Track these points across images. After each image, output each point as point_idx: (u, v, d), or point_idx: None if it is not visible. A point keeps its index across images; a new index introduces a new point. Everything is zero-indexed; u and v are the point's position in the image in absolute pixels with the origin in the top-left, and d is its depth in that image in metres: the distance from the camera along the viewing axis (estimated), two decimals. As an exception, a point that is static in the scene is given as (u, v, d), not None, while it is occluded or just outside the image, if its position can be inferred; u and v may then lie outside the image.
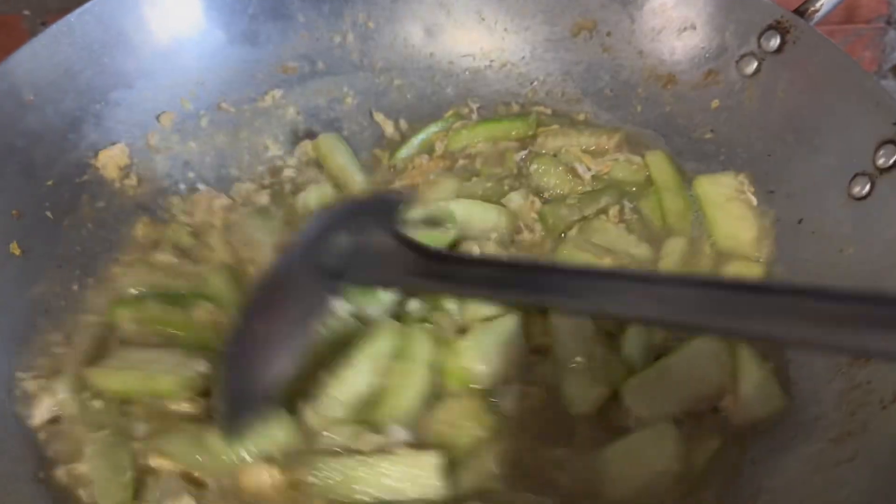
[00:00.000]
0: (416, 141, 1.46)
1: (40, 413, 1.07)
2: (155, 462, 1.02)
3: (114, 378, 1.09)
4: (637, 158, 1.35)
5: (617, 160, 1.35)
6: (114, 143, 1.34)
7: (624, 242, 1.22)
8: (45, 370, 1.12)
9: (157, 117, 1.39)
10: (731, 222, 1.23)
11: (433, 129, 1.47)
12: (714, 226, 1.23)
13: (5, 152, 1.19)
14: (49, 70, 1.25)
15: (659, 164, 1.33)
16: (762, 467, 1.00)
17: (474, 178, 1.35)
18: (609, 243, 1.21)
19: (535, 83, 1.50)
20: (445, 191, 1.34)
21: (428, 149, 1.44)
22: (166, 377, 1.07)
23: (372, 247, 0.98)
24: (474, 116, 1.49)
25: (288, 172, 1.41)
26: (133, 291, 1.21)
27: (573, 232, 1.24)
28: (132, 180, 1.35)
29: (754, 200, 1.25)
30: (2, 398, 1.06)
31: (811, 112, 1.20)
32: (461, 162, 1.41)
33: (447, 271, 0.96)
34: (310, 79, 1.50)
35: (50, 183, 1.25)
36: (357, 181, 1.39)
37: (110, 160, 1.33)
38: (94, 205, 1.30)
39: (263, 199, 1.36)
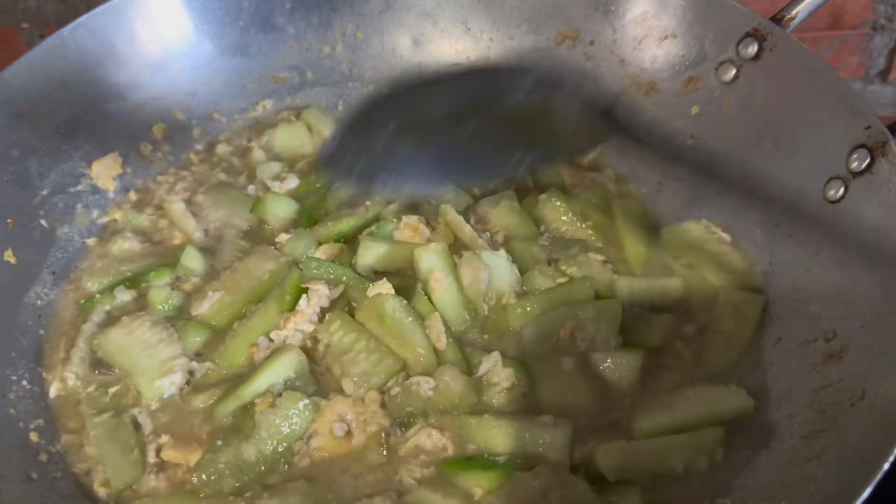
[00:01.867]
0: None
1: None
2: (167, 455, 1.06)
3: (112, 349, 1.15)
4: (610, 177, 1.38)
5: (593, 181, 1.37)
6: (107, 154, 1.37)
7: (606, 274, 1.22)
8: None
9: (150, 128, 1.42)
10: (716, 258, 1.23)
11: None
12: (703, 266, 1.23)
13: (0, 162, 1.22)
14: (44, 82, 1.29)
15: (627, 228, 1.30)
16: (734, 464, 1.02)
17: None
18: (590, 274, 1.21)
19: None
20: None
21: None
22: (143, 377, 1.11)
23: None
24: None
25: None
26: (95, 287, 1.25)
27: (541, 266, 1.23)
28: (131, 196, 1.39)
29: (727, 237, 1.26)
30: (-5, 401, 1.09)
31: (788, 117, 1.22)
32: None
33: None
34: (300, 89, 1.53)
35: (45, 192, 1.28)
36: None
37: (104, 170, 1.36)
38: (89, 214, 1.34)
39: (220, 175, 1.42)
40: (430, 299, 1.15)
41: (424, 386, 1.07)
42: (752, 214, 1.25)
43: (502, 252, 1.21)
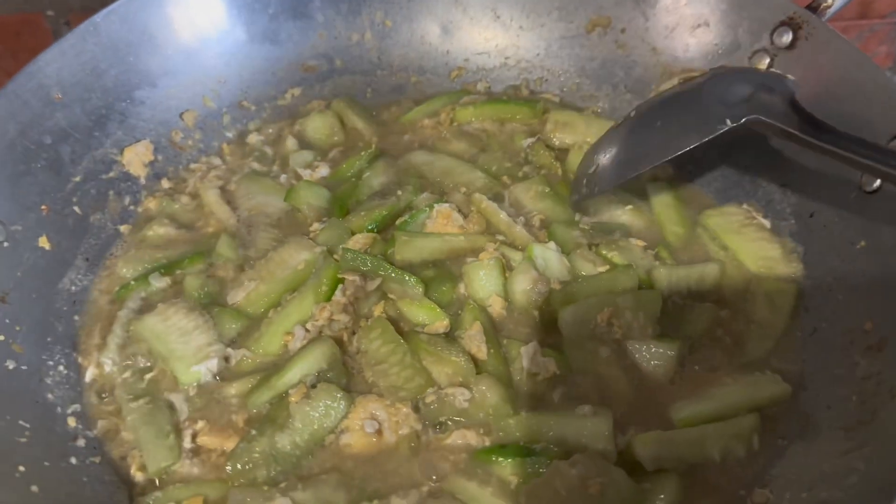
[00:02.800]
0: (424, 109, 1.50)
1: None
2: (203, 441, 1.07)
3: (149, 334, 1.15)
4: None
5: None
6: (138, 141, 1.37)
7: (647, 260, 1.22)
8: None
9: (181, 115, 1.42)
10: (754, 245, 1.23)
11: (440, 102, 1.51)
12: (740, 251, 1.23)
13: (34, 149, 1.22)
14: (76, 69, 1.29)
15: (665, 210, 1.31)
16: (771, 454, 1.02)
17: (486, 153, 1.41)
18: (631, 260, 1.21)
19: (551, 79, 1.53)
20: (459, 150, 1.42)
21: (433, 116, 1.49)
22: (179, 363, 1.12)
23: (765, 99, 1.12)
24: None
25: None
26: (130, 274, 1.26)
27: (582, 250, 1.23)
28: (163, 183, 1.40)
29: (767, 223, 1.26)
30: (34, 386, 1.09)
31: (823, 107, 1.19)
32: (471, 129, 1.47)
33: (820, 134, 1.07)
34: (328, 77, 1.53)
35: (77, 179, 1.28)
36: (367, 133, 1.47)
37: (135, 157, 1.36)
38: (121, 201, 1.34)
39: (253, 164, 1.42)
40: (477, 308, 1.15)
41: (460, 397, 1.06)
42: (786, 204, 1.25)
43: (552, 244, 1.21)
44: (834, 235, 1.17)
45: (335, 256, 1.20)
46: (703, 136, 1.11)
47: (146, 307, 1.20)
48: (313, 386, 1.07)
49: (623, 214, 1.30)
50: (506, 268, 1.20)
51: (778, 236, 1.24)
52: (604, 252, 1.22)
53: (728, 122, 1.10)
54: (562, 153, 1.40)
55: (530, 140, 1.42)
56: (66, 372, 1.14)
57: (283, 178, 1.38)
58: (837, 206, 1.16)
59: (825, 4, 1.23)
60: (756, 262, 1.22)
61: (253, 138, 1.45)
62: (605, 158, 1.24)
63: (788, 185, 1.25)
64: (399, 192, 1.30)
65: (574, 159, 1.37)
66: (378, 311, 1.16)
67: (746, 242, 1.23)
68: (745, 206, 1.29)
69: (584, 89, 1.50)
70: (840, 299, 1.12)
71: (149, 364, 1.15)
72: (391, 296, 1.18)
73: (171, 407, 1.10)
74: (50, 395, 1.10)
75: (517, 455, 1.01)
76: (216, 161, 1.43)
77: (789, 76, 1.17)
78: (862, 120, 1.14)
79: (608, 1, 1.45)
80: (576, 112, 1.46)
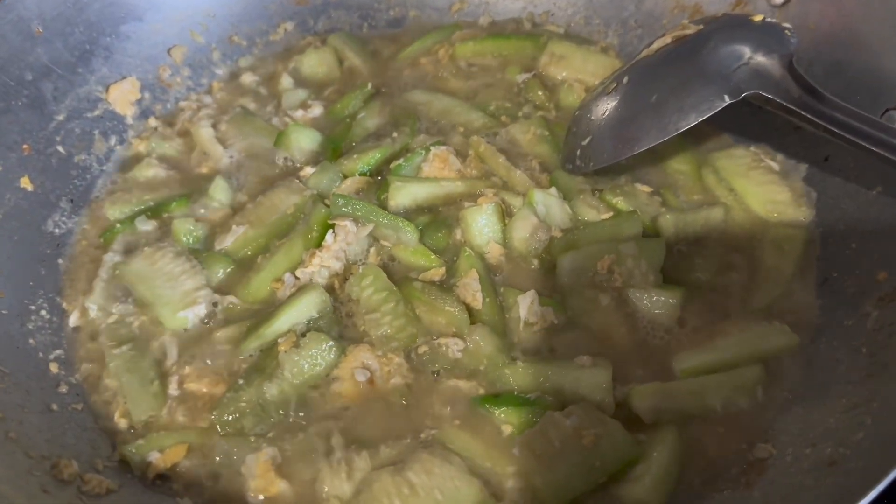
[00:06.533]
0: (419, 46, 1.44)
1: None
2: (191, 387, 1.04)
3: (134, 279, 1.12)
4: None
5: None
6: (124, 78, 1.32)
7: (653, 206, 1.17)
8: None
9: (168, 51, 1.37)
10: (762, 188, 1.18)
11: (435, 36, 1.45)
12: (747, 194, 1.18)
13: (14, 85, 1.17)
14: (57, 1, 1.23)
15: (669, 148, 1.24)
16: (775, 407, 0.98)
17: (485, 91, 1.36)
18: (636, 206, 1.16)
19: (557, 13, 1.46)
20: (458, 89, 1.37)
21: (428, 53, 1.43)
22: (166, 308, 1.09)
23: (762, 65, 1.07)
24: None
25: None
26: (116, 216, 1.22)
27: (585, 195, 1.19)
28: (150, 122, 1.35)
29: (776, 166, 1.20)
30: (15, 331, 1.06)
31: (842, 44, 1.14)
32: (470, 66, 1.41)
33: (818, 107, 1.04)
34: (322, 11, 1.47)
35: (60, 117, 1.24)
36: (364, 71, 1.42)
37: (121, 95, 1.31)
38: (107, 141, 1.30)
39: (249, 103, 1.37)
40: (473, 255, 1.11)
41: (453, 347, 1.03)
42: (800, 147, 1.19)
43: (553, 190, 1.16)
44: (849, 180, 1.11)
45: (325, 201, 1.15)
46: (701, 114, 1.07)
47: (133, 251, 1.16)
48: (303, 335, 1.04)
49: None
50: (505, 214, 1.15)
51: (787, 180, 1.18)
52: (608, 198, 1.17)
53: (726, 98, 1.06)
54: (555, 90, 1.35)
55: (525, 75, 1.36)
56: (48, 317, 1.11)
57: (275, 120, 1.33)
58: (853, 150, 1.10)
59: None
60: (764, 206, 1.17)
61: (247, 78, 1.40)
62: (598, 131, 1.17)
63: (802, 127, 1.18)
64: (395, 134, 1.25)
65: (565, 98, 1.32)
66: (371, 258, 1.12)
67: (754, 186, 1.18)
68: (752, 148, 1.23)
69: (592, 24, 1.43)
70: (853, 248, 1.07)
71: (134, 309, 1.11)
72: (384, 242, 1.13)
73: (157, 353, 1.07)
74: (32, 341, 1.07)
75: (512, 404, 0.98)
76: (206, 99, 1.37)
77: (787, 26, 1.09)
78: (882, 58, 1.08)
79: (619, -72, 1.37)
80: (575, 45, 1.38)
